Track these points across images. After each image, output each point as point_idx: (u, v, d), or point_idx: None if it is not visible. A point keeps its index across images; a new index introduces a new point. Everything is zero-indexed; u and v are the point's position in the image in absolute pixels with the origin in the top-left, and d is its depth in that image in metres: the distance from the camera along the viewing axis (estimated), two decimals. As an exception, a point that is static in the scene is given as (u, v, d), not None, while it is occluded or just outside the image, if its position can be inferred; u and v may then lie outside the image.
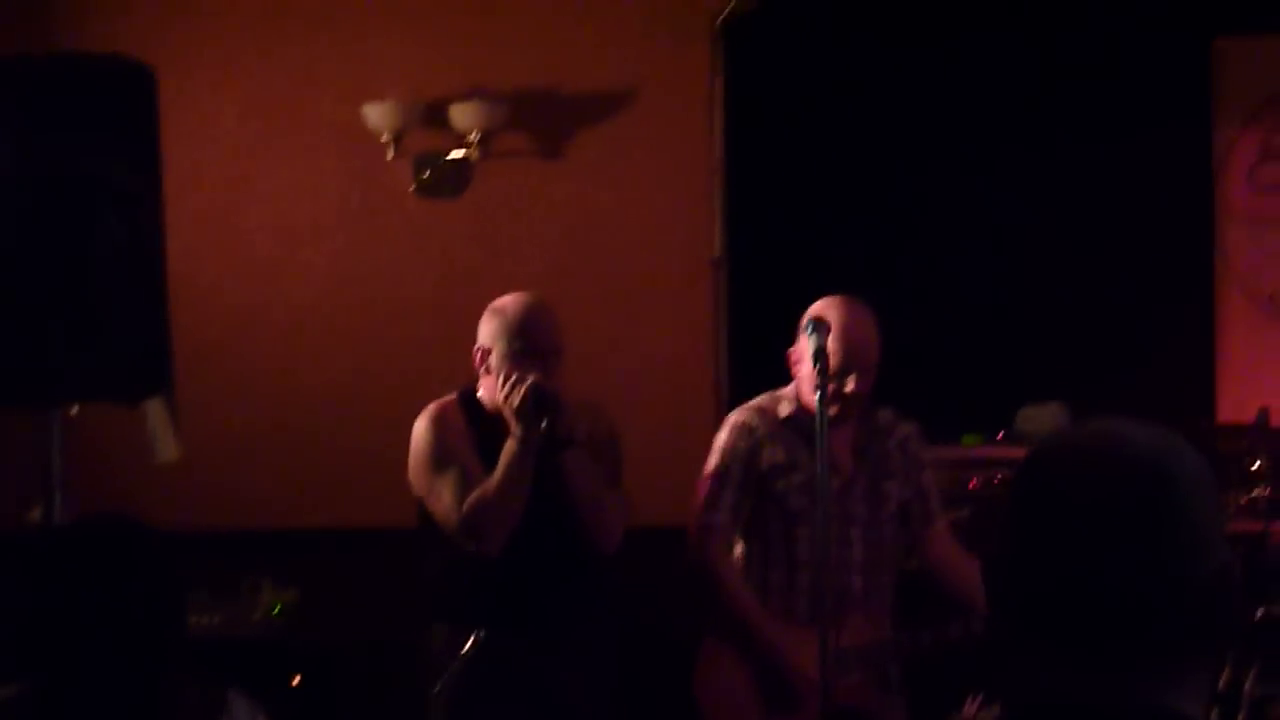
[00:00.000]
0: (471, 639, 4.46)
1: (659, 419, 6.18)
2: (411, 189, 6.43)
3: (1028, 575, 1.68)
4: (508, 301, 4.53)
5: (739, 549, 4.70)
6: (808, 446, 4.52)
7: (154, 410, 4.43)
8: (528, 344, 4.44)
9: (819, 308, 4.56)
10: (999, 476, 6.00)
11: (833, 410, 4.43)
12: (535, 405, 4.34)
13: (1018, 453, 5.97)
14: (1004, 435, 6.20)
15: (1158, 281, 6.52)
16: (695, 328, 6.46)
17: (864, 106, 6.53)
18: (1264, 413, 5.97)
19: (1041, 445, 1.76)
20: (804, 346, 4.49)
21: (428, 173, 6.40)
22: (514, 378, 4.38)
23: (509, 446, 4.36)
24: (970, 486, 6.00)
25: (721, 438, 4.69)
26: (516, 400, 4.34)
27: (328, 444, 6.41)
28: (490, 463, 4.40)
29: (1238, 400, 6.41)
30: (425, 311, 6.39)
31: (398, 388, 6.08)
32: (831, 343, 4.42)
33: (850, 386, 4.52)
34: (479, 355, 4.50)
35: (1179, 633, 1.65)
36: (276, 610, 5.86)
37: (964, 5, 6.57)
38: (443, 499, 4.44)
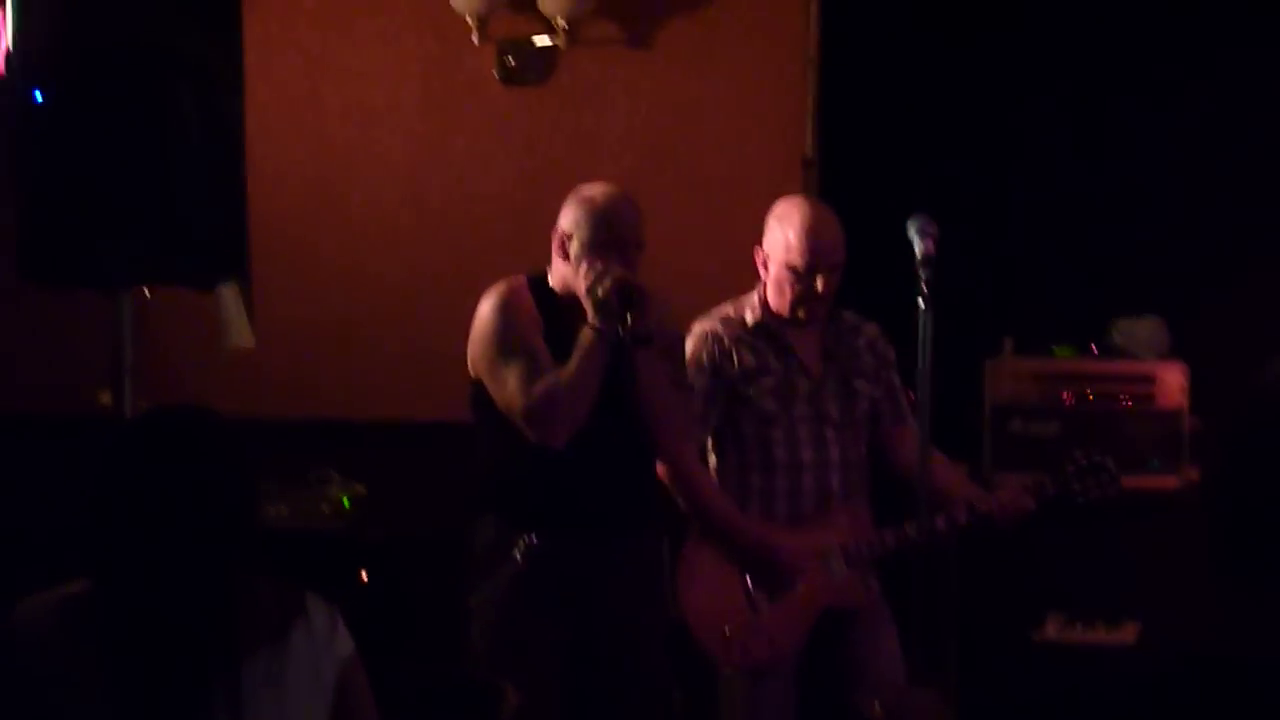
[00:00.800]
0: (522, 543, 4.33)
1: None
2: (496, 75, 6.26)
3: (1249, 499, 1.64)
4: (595, 189, 4.42)
5: (714, 457, 4.69)
6: (776, 349, 4.63)
7: (228, 296, 4.34)
8: (613, 234, 4.32)
9: (782, 207, 4.63)
10: (1091, 390, 5.83)
11: (801, 312, 4.59)
12: (620, 299, 4.21)
13: (1112, 366, 5.83)
14: (1098, 348, 6.01)
15: (1259, 195, 6.30)
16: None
17: (969, 4, 6.30)
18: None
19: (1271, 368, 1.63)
20: (770, 245, 4.58)
21: (513, 59, 6.24)
22: (600, 268, 4.25)
23: (586, 337, 4.24)
24: (1062, 399, 5.82)
25: (688, 348, 4.64)
26: (601, 291, 4.22)
27: (400, 335, 6.30)
28: (558, 350, 4.28)
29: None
30: (505, 203, 6.25)
31: (473, 280, 5.91)
32: (798, 242, 4.52)
33: (819, 286, 4.53)
34: (558, 240, 4.38)
35: None
36: (345, 503, 5.77)
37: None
38: (508, 384, 4.29)
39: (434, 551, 5.64)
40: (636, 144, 6.27)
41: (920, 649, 4.62)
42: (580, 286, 4.27)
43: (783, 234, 4.59)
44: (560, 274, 4.38)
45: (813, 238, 4.53)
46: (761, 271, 4.67)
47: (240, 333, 4.42)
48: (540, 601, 4.32)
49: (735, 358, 4.64)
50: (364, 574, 5.60)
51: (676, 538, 4.68)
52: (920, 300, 4.10)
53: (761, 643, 4.57)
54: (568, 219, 4.37)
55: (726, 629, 4.57)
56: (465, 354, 4.50)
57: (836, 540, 4.60)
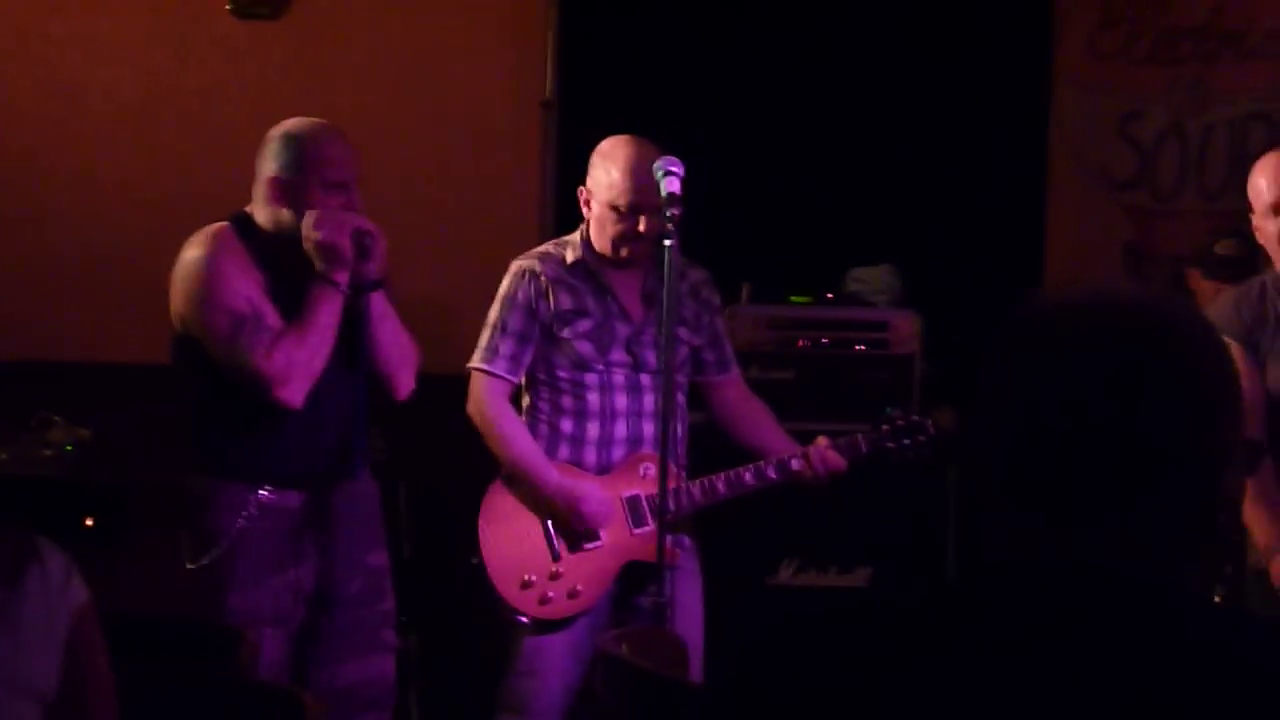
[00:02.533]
0: (248, 501, 4.12)
1: (481, 263, 5.95)
2: (228, 8, 6.10)
3: (1007, 432, 1.61)
4: (303, 125, 4.16)
5: (526, 399, 4.59)
6: (595, 291, 4.51)
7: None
8: (334, 174, 4.09)
9: (607, 146, 4.48)
10: (826, 337, 5.90)
11: (624, 252, 4.46)
12: (356, 247, 4.04)
13: (847, 313, 5.91)
14: (833, 296, 6.08)
15: (991, 146, 6.45)
16: (523, 171, 6.23)
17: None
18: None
19: (1032, 300, 1.66)
20: (593, 183, 4.46)
21: (247, -8, 6.10)
22: (331, 217, 4.04)
23: (321, 290, 4.05)
24: (798, 345, 5.89)
25: (504, 285, 4.54)
26: (336, 238, 4.02)
27: (129, 275, 6.09)
28: (278, 297, 4.07)
29: (1066, 269, 6.40)
30: (239, 140, 6.05)
31: (206, 219, 5.80)
32: (621, 181, 4.39)
33: (643, 226, 4.41)
34: (271, 186, 4.10)
35: (1168, 501, 1.57)
36: (69, 448, 5.60)
37: None
38: (236, 345, 4.04)
39: (162, 497, 5.51)
40: (374, 82, 6.15)
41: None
42: (309, 236, 4.03)
43: (606, 172, 4.45)
44: (272, 216, 4.12)
45: (636, 176, 4.38)
46: (584, 210, 4.53)
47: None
48: (270, 556, 4.15)
49: (552, 298, 4.50)
50: (89, 520, 5.44)
51: (474, 481, 4.59)
52: (665, 239, 4.13)
53: (561, 592, 4.51)
54: (277, 161, 4.11)
55: (527, 577, 4.50)
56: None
57: (644, 491, 4.52)
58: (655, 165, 4.28)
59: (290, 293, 4.09)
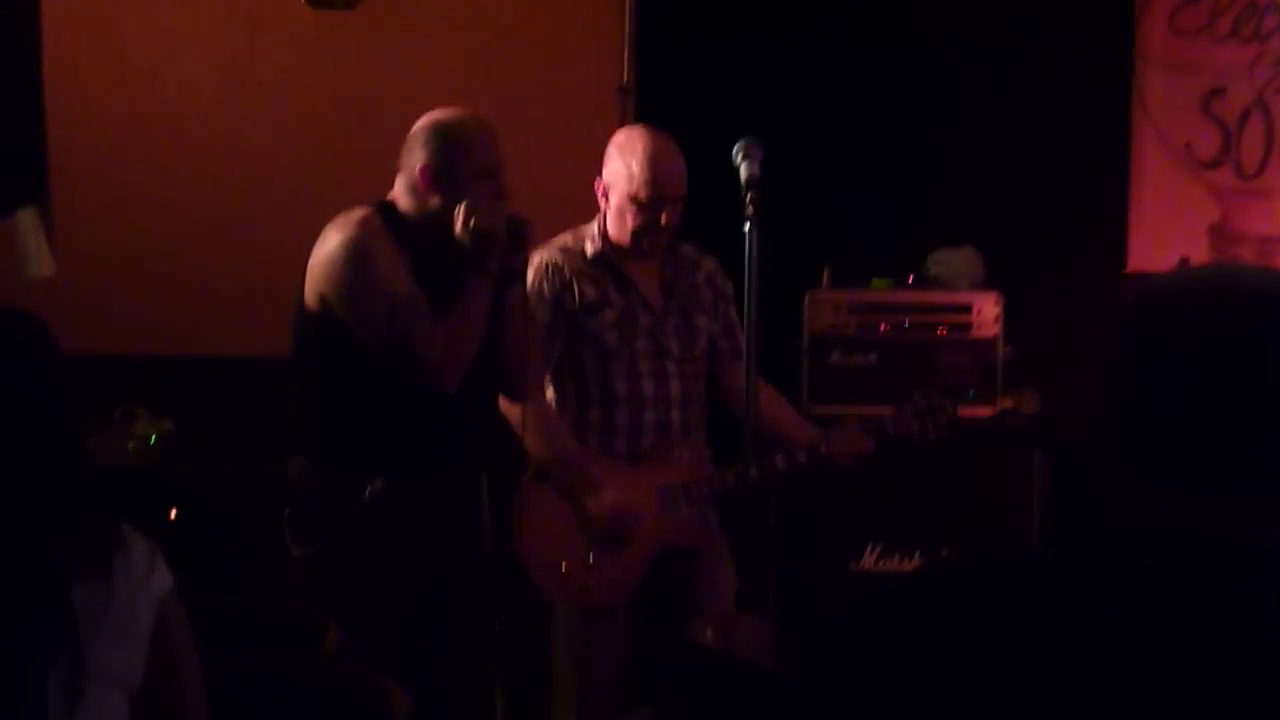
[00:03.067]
0: (367, 491, 4.14)
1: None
2: (304, -2, 6.10)
3: (1140, 412, 1.64)
4: (453, 116, 4.21)
5: (552, 390, 4.59)
6: (616, 282, 4.55)
7: (26, 222, 4.19)
8: (486, 162, 4.14)
9: (623, 137, 4.54)
10: (908, 321, 5.85)
11: (645, 243, 4.50)
12: (511, 236, 4.08)
13: (929, 297, 5.87)
14: (914, 279, 6.03)
15: (1073, 126, 6.39)
16: (600, 157, 6.17)
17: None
18: (1185, 262, 5.87)
19: (1149, 285, 1.70)
20: (612, 175, 4.48)
21: (322, -19, 6.09)
22: (485, 205, 4.08)
23: (475, 278, 4.07)
24: (880, 330, 5.84)
25: (528, 278, 4.51)
26: (494, 227, 4.06)
27: (208, 267, 6.13)
28: (425, 284, 4.10)
29: (1149, 250, 6.33)
30: (315, 131, 6.10)
31: (282, 212, 5.83)
32: (641, 173, 4.42)
33: (664, 218, 4.45)
34: (425, 174, 4.14)
35: None
36: (152, 440, 5.62)
37: None
38: (396, 330, 4.05)
39: (246, 490, 5.53)
40: (450, 69, 6.12)
41: (742, 577, 4.63)
42: (466, 223, 4.05)
43: (625, 164, 4.48)
44: (420, 204, 4.16)
45: (656, 168, 4.43)
46: (601, 202, 4.56)
47: (39, 260, 4.27)
48: (385, 550, 4.15)
49: (576, 289, 4.53)
50: (173, 512, 5.46)
51: (496, 472, 4.59)
52: (746, 222, 4.11)
53: (599, 580, 4.50)
54: (427, 149, 4.14)
55: (563, 565, 4.49)
56: (272, 286, 4.33)
57: (677, 478, 4.54)
58: (735, 148, 4.26)
59: (435, 280, 4.11)
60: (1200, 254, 6.35)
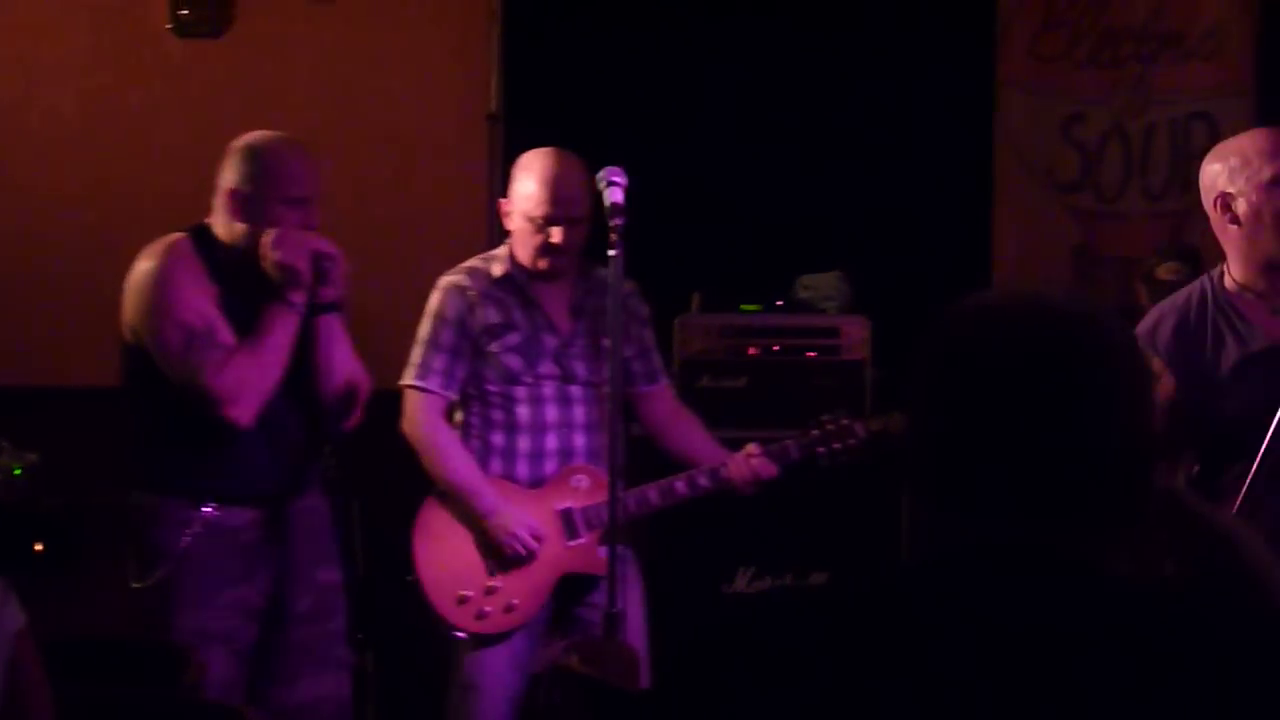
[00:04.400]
0: (194, 519, 4.09)
1: (430, 278, 5.94)
2: (169, 27, 6.07)
3: (946, 436, 1.66)
4: (267, 140, 4.14)
5: (459, 414, 4.57)
6: (522, 305, 4.51)
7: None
8: (294, 190, 4.07)
9: (526, 158, 4.50)
10: (777, 344, 5.91)
11: (543, 264, 4.45)
12: (315, 269, 4.03)
13: (797, 320, 5.93)
14: (783, 303, 6.09)
15: (938, 150, 6.47)
16: (469, 185, 6.20)
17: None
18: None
19: (956, 308, 1.71)
20: (514, 196, 4.46)
21: (187, 9, 6.05)
22: (289, 236, 4.03)
23: (277, 310, 4.03)
24: (749, 353, 5.89)
25: (433, 301, 4.53)
26: (295, 260, 4.00)
27: (74, 297, 6.05)
28: (234, 311, 4.04)
29: (1013, 272, 6.44)
30: (182, 161, 6.05)
31: (148, 241, 5.74)
32: (537, 192, 4.39)
33: (556, 238, 4.41)
34: (231, 199, 4.08)
35: (1100, 497, 1.64)
36: (16, 472, 5.56)
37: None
38: (186, 360, 4.00)
39: (112, 521, 5.48)
40: (319, 98, 6.12)
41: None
42: (267, 255, 4.01)
43: (523, 184, 4.45)
44: (231, 230, 4.10)
45: (550, 188, 4.39)
46: (506, 223, 4.54)
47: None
48: (218, 574, 4.12)
49: (480, 312, 4.49)
50: (38, 545, 5.40)
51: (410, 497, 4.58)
52: (610, 249, 4.14)
53: (498, 606, 4.50)
54: (237, 173, 4.08)
55: (462, 591, 4.48)
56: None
57: (578, 504, 4.52)
58: (598, 176, 4.30)
59: (246, 308, 4.07)
60: (1063, 276, 6.47)
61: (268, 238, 4.03)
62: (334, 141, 6.05)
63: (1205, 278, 3.70)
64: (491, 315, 4.50)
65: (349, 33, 6.16)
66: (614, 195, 4.24)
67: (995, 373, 1.64)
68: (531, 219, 4.43)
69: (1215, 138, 6.32)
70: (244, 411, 4.04)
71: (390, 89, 6.17)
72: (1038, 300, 1.69)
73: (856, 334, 5.89)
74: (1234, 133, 3.77)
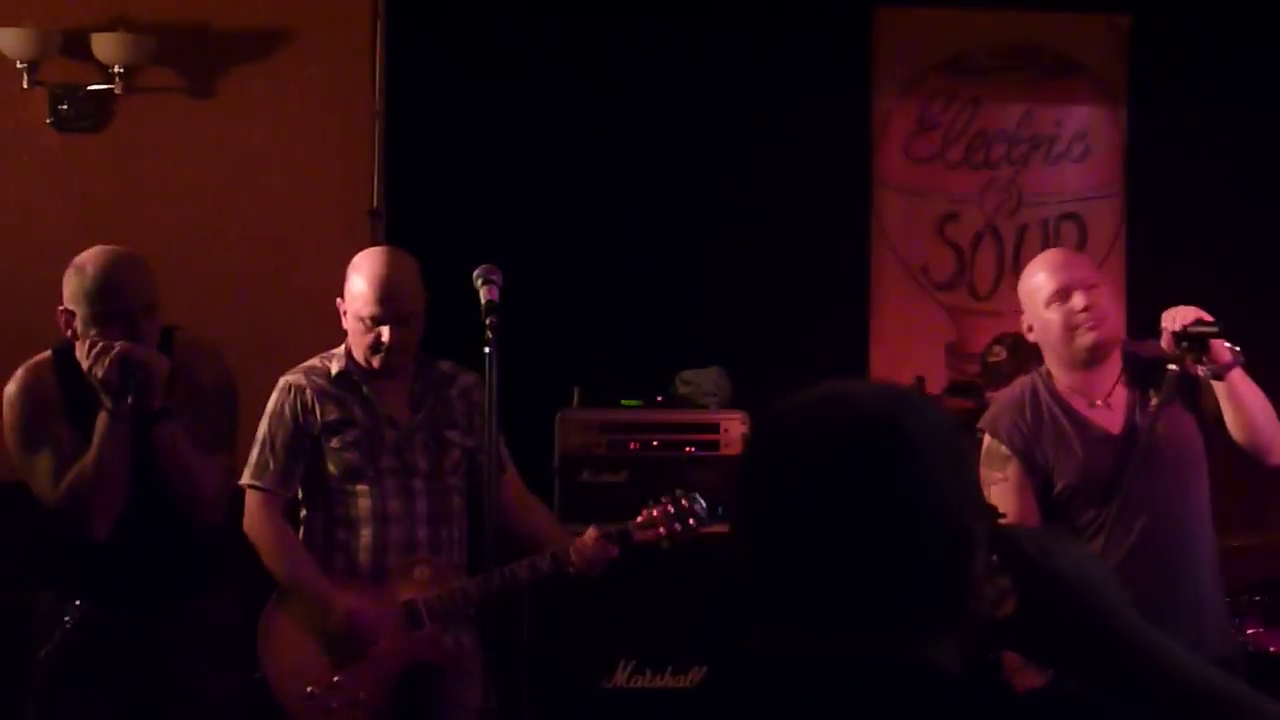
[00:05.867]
0: (70, 614, 4.25)
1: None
2: (48, 121, 6.04)
3: (752, 539, 1.65)
4: (88, 258, 4.23)
5: (304, 510, 4.62)
6: (360, 401, 4.56)
7: None
8: (110, 305, 4.15)
9: (358, 257, 4.58)
10: (657, 440, 5.95)
11: (375, 362, 4.52)
12: (122, 376, 4.08)
13: (677, 416, 5.98)
14: (663, 399, 6.14)
15: (815, 248, 6.58)
16: (350, 280, 6.20)
17: (528, 61, 6.42)
18: (920, 381, 6.07)
19: (768, 410, 1.71)
20: (347, 295, 4.52)
21: (66, 105, 6.03)
22: (98, 346, 4.10)
23: (101, 421, 4.12)
24: (630, 448, 5.93)
25: (271, 401, 4.60)
26: (101, 371, 4.08)
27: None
28: (86, 431, 4.14)
29: (890, 367, 6.53)
30: (61, 256, 5.97)
31: (25, 338, 5.71)
32: (366, 291, 4.45)
33: (386, 337, 4.46)
34: (63, 318, 4.21)
35: (913, 593, 1.61)
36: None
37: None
38: (38, 478, 4.20)
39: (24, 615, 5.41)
40: (199, 194, 6.11)
41: (495, 694, 4.62)
42: (84, 368, 4.12)
43: (354, 284, 4.51)
44: (81, 350, 4.19)
45: (380, 288, 4.45)
46: (343, 321, 4.59)
47: None
48: (88, 673, 4.20)
49: (318, 410, 4.54)
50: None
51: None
52: (485, 347, 4.17)
53: (344, 702, 4.48)
54: (66, 293, 4.21)
55: (309, 689, 4.47)
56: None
57: (419, 595, 4.52)
58: (475, 273, 4.34)
59: (91, 422, 4.17)
60: (937, 371, 6.57)
61: (79, 351, 4.15)
62: (215, 236, 6.07)
63: (1035, 375, 4.30)
64: (331, 412, 4.55)
65: (229, 128, 6.16)
66: (489, 293, 4.29)
67: (782, 485, 1.64)
68: (361, 318, 4.49)
69: (1085, 237, 6.51)
70: (93, 524, 4.16)
71: (271, 184, 6.17)
72: (837, 404, 1.68)
73: (736, 429, 5.95)
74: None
